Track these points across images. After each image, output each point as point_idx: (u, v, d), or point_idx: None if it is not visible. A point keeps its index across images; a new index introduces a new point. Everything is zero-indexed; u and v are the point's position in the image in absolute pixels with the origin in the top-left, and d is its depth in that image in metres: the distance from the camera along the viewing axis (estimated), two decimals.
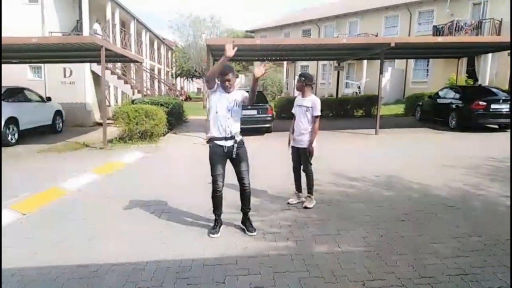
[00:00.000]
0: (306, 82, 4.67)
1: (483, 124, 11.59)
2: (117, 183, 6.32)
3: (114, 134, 10.69)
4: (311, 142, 4.64)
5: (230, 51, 3.52)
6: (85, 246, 3.75)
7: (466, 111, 11.53)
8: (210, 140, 3.88)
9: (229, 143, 3.82)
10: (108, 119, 12.06)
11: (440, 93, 13.52)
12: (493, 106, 11.16)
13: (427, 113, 14.16)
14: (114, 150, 9.23)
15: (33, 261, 3.43)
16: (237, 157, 3.85)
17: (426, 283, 2.93)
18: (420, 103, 14.87)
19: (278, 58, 19.04)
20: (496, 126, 11.90)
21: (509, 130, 11.44)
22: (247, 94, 3.86)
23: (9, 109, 10.12)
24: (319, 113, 4.66)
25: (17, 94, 11.08)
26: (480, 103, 11.17)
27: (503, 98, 11.40)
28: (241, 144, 3.90)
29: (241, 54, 14.82)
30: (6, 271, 3.24)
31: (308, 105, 4.66)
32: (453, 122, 12.00)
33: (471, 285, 2.90)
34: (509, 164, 6.90)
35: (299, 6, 69.21)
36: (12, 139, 10.10)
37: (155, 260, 3.40)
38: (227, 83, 3.76)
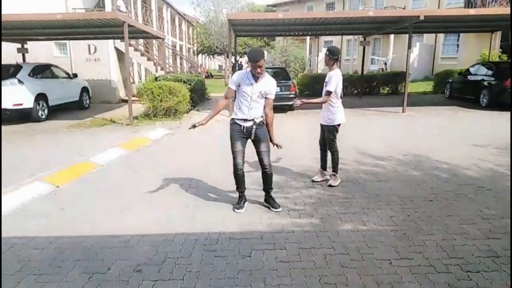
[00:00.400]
0: (330, 56, 4.54)
1: None
2: (144, 158, 6.46)
3: (139, 110, 10.85)
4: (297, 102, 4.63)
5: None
6: (116, 218, 3.89)
7: (499, 88, 11.02)
8: (231, 119, 3.91)
9: (248, 124, 3.82)
10: (132, 96, 12.22)
11: (471, 70, 12.94)
12: None
13: (457, 90, 13.63)
14: (140, 126, 9.39)
15: (67, 231, 3.59)
16: (256, 138, 3.85)
17: (455, 264, 2.89)
18: (450, 80, 14.31)
19: (301, 33, 18.57)
20: None
21: None
22: (274, 90, 3.84)
23: (39, 85, 10.40)
24: (330, 88, 4.51)
25: (44, 70, 11.33)
26: None
27: None
28: (260, 125, 3.87)
29: (263, 29, 14.56)
30: (44, 239, 3.41)
31: (326, 79, 4.58)
32: (485, 100, 11.51)
33: (503, 268, 2.83)
34: None
35: None
36: (42, 115, 10.42)
37: (184, 232, 3.50)
38: (258, 69, 3.63)
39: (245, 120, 3.80)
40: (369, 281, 2.69)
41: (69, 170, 5.48)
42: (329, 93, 4.54)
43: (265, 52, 33.51)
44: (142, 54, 17.46)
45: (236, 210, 3.98)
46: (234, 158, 3.91)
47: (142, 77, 20.99)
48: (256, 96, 3.74)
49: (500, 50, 18.62)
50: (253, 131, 3.80)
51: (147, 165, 5.93)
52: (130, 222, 3.77)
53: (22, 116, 10.05)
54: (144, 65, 18.59)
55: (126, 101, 11.42)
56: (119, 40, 15.01)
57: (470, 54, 19.47)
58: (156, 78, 12.68)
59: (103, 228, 3.63)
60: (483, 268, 2.83)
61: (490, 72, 11.83)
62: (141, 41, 18.46)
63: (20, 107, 9.77)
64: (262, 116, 3.87)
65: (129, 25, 9.80)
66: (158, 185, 4.86)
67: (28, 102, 9.89)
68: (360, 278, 2.73)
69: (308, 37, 29.55)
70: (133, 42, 16.49)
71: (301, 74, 25.28)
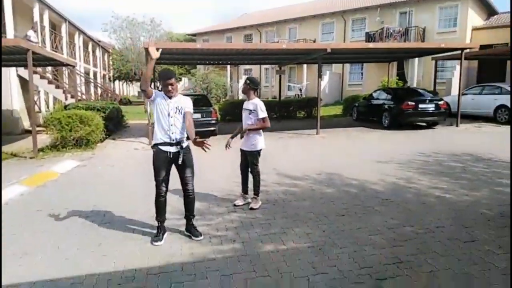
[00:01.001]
0: (250, 85, 4.71)
1: (413, 122, 12.61)
2: (50, 195, 5.85)
3: (46, 142, 9.93)
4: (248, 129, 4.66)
5: (155, 53, 3.62)
6: (17, 264, 3.43)
7: (397, 110, 12.43)
8: (154, 146, 3.79)
9: (174, 149, 3.75)
10: (38, 126, 11.19)
11: (374, 95, 14.43)
12: (420, 105, 12.17)
13: (362, 113, 15.01)
14: (46, 159, 8.57)
15: None
16: (183, 163, 3.78)
17: (365, 274, 3.09)
18: (356, 104, 15.73)
19: (220, 62, 19.03)
20: (424, 124, 13.00)
21: (435, 127, 12.55)
22: (190, 105, 3.81)
23: None
24: (264, 115, 4.69)
25: None
26: (409, 103, 12.14)
27: (429, 98, 12.49)
28: (187, 150, 3.83)
29: (183, 57, 14.61)
30: None
31: (251, 108, 4.72)
32: (386, 121, 12.86)
33: (406, 272, 3.10)
34: (430, 158, 7.56)
35: (238, 10, 69.95)
36: None
37: (95, 272, 3.21)
38: (169, 87, 3.66)
39: (170, 144, 3.71)
40: None
41: None
42: (264, 119, 4.67)
43: (186, 80, 33.49)
44: (50, 82, 16.24)
45: (155, 243, 3.78)
46: (158, 187, 3.78)
47: (50, 105, 19.40)
48: (173, 112, 3.71)
49: (397, 77, 21.15)
50: (180, 157, 3.72)
51: (54, 201, 5.38)
52: (33, 267, 3.35)
53: None
54: (52, 93, 17.24)
55: (30, 132, 10.39)
56: (22, 68, 13.79)
57: (373, 81, 21.79)
58: (65, 107, 11.82)
59: (2, 277, 3.16)
60: (390, 274, 3.07)
61: (389, 97, 13.30)
62: (49, 68, 17.18)
63: None
64: (187, 139, 3.80)
65: (34, 53, 9.09)
66: (66, 223, 4.43)
67: None
68: None
69: (228, 65, 30.31)
70: (39, 69, 15.28)
71: (223, 100, 25.69)
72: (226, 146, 4.80)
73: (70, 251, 3.66)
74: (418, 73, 20.96)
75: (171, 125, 3.72)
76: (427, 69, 19.97)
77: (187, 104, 3.80)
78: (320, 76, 12.20)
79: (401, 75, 21.61)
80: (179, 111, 3.75)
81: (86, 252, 3.64)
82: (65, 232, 4.16)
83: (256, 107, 4.68)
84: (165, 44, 14.24)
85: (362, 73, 24.85)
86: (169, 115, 3.70)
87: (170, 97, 3.73)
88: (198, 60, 16.99)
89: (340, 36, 25.30)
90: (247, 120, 4.75)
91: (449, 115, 13.17)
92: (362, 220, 4.31)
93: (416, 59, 19.92)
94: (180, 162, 3.74)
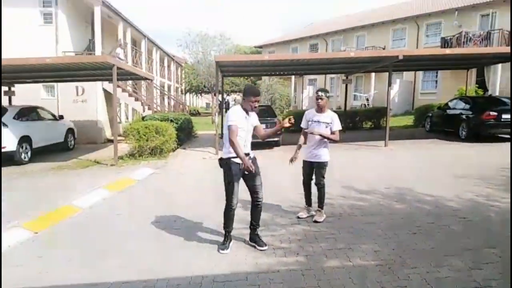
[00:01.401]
0: (328, 97, 4.71)
1: (494, 134, 11.45)
2: (127, 200, 6.37)
3: (125, 150, 10.82)
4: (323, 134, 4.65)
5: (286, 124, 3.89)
6: (97, 264, 3.78)
7: (477, 121, 11.42)
8: (227, 159, 3.86)
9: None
10: (119, 135, 12.24)
11: (450, 104, 13.44)
12: (504, 116, 11.03)
13: (437, 124, 14.05)
14: (125, 167, 9.33)
15: (45, 281, 3.46)
16: (252, 173, 3.87)
17: None
18: (430, 114, 14.78)
19: (286, 73, 19.18)
20: (508, 136, 11.72)
21: None
22: (258, 123, 4.04)
23: (23, 128, 10.36)
24: (340, 128, 4.70)
25: (30, 113, 11.34)
26: (491, 113, 11.07)
27: None
28: (254, 159, 3.97)
29: (250, 69, 15.02)
30: None
31: (328, 121, 4.65)
32: (464, 133, 11.87)
33: None
34: None
35: (305, 22, 70.06)
36: (25, 158, 10.29)
37: (166, 277, 3.41)
38: (256, 103, 3.88)
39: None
40: None
41: (50, 215, 5.36)
42: (339, 132, 4.69)
43: None
44: (130, 95, 17.68)
45: (221, 251, 3.92)
46: (231, 199, 3.89)
47: (129, 116, 21.11)
48: (251, 128, 3.95)
49: (476, 85, 19.48)
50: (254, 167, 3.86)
51: (131, 206, 5.85)
52: (110, 268, 3.66)
53: (5, 158, 9.91)
54: (131, 105, 18.77)
55: (112, 141, 11.41)
56: (107, 82, 15.23)
57: (448, 89, 20.31)
58: (143, 118, 12.78)
59: (82, 276, 3.51)
60: None
61: (467, 106, 12.28)
62: (129, 81, 18.76)
63: (3, 150, 9.66)
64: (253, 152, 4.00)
65: (118, 68, 10.01)
66: (141, 227, 4.79)
67: (11, 144, 9.80)
68: None
69: (293, 76, 30.46)
70: (121, 83, 16.75)
71: (287, 110, 25.81)
72: (292, 160, 4.77)
73: (144, 255, 3.94)
74: (501, 80, 19.09)
75: (247, 139, 3.91)
76: None
77: (256, 118, 4.05)
78: (390, 84, 11.71)
79: (481, 83, 19.86)
80: (252, 126, 3.97)
81: (159, 256, 3.89)
82: (140, 236, 4.49)
83: (333, 120, 4.64)
84: (234, 57, 14.78)
85: (436, 81, 23.34)
86: (247, 129, 3.91)
87: (247, 113, 3.90)
88: (264, 72, 17.32)
89: (413, 42, 24.10)
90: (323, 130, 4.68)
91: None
92: (436, 240, 4.03)
93: (499, 65, 18.18)
94: (257, 171, 3.88)
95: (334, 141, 4.73)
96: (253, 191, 3.98)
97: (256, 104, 3.87)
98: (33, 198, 6.57)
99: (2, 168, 9.63)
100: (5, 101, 12.80)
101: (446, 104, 13.74)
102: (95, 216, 5.43)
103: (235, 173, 3.84)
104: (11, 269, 3.69)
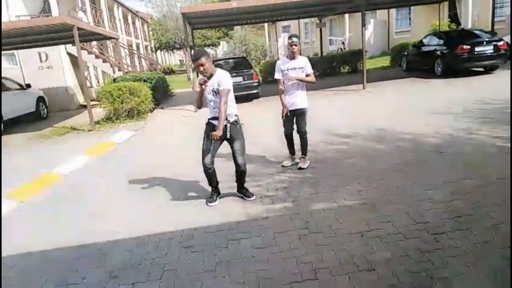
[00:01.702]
0: (299, 43, 4.61)
1: (469, 67, 11.59)
2: (111, 163, 6.29)
3: (101, 115, 10.50)
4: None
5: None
6: (87, 226, 3.79)
7: (451, 56, 11.46)
8: (207, 120, 3.90)
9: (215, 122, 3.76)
10: (92, 100, 11.80)
11: (424, 41, 13.39)
12: (477, 48, 11.09)
13: (413, 62, 14.07)
14: (103, 131, 9.11)
15: (37, 246, 3.47)
16: (231, 137, 3.83)
17: (422, 229, 3.03)
18: (405, 53, 14.73)
19: (257, 21, 18.51)
20: (482, 69, 11.92)
21: (494, 72, 11.51)
22: (225, 82, 3.67)
23: None
24: (312, 70, 4.68)
25: None
26: (464, 47, 11.09)
27: (486, 39, 11.34)
28: (234, 124, 3.84)
29: (220, 20, 14.39)
30: (11, 258, 3.27)
31: (302, 65, 4.61)
32: (439, 69, 11.96)
33: (466, 226, 3.00)
34: (498, 105, 7.01)
35: None
36: None
37: (157, 232, 3.46)
38: (201, 68, 3.58)
39: (216, 118, 3.74)
40: (343, 255, 2.78)
41: (33, 183, 5.27)
42: (313, 74, 4.66)
43: (225, 43, 33.17)
44: (97, 57, 16.84)
45: (209, 204, 3.98)
46: (202, 158, 3.85)
47: (100, 80, 20.29)
48: (211, 95, 3.74)
49: (449, 19, 19.37)
50: (227, 131, 3.77)
51: (114, 169, 5.78)
52: (101, 229, 3.67)
53: None
54: (100, 68, 17.94)
55: (85, 106, 11.02)
56: (70, 45, 14.38)
57: (422, 26, 20.14)
58: (114, 80, 12.29)
59: (74, 239, 3.52)
60: (448, 229, 2.99)
61: (441, 42, 12.26)
62: (94, 43, 17.77)
63: None
64: (236, 115, 3.85)
65: (79, 28, 9.40)
66: (127, 188, 4.77)
67: None
68: (335, 253, 2.81)
69: (266, 24, 29.50)
70: (85, 45, 15.85)
71: (263, 61, 25.29)
72: (286, 114, 4.69)
73: (133, 214, 3.96)
74: (473, 12, 19.01)
75: (214, 107, 3.77)
76: (484, 6, 18.03)
77: (221, 81, 3.67)
78: (364, 25, 11.48)
79: (454, 17, 19.73)
80: (214, 93, 3.72)
81: (148, 214, 3.92)
82: (127, 197, 4.49)
83: (306, 63, 4.61)
84: (200, 7, 14.04)
85: (410, 18, 23.06)
86: (208, 98, 3.78)
87: (208, 78, 3.66)
88: (235, 21, 16.62)
89: None
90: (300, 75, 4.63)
91: (510, 57, 11.95)
92: (417, 175, 4.18)
93: None
94: (228, 136, 3.81)
95: (311, 83, 4.69)
96: (233, 155, 3.92)
97: (201, 69, 3.57)
98: (14, 169, 6.38)
99: None
100: None
101: (421, 41, 13.69)
102: (79, 182, 5.35)
103: (207, 133, 3.82)
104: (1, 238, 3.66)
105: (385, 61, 18.29)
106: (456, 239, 2.83)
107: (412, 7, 21.84)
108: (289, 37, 4.62)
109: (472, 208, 3.28)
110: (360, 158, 5.00)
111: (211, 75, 3.67)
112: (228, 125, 3.77)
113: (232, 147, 3.91)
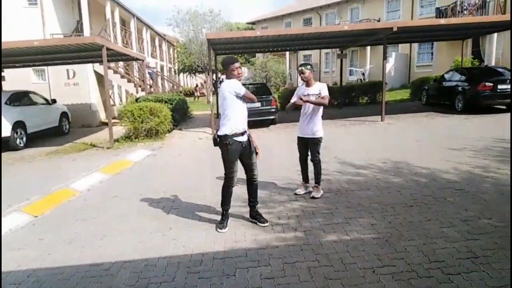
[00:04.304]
0: (313, 69, 4.69)
1: (490, 105, 11.45)
2: (125, 182, 6.37)
3: (120, 133, 10.75)
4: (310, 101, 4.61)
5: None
6: (97, 245, 3.80)
7: (473, 93, 11.37)
8: (227, 137, 3.78)
9: (245, 137, 3.87)
10: (113, 118, 12.13)
11: (446, 76, 13.35)
12: (499, 86, 11.00)
13: (433, 97, 14.00)
14: (121, 149, 9.29)
15: (47, 262, 3.49)
16: (249, 150, 3.89)
17: (436, 268, 2.93)
18: (426, 87, 14.70)
19: (280, 49, 18.87)
20: (504, 107, 11.73)
21: None
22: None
23: (16, 113, 10.22)
24: (327, 94, 4.65)
25: (22, 98, 11.16)
26: (487, 84, 11.02)
27: (509, 77, 11.22)
28: (249, 137, 3.96)
29: (243, 47, 14.76)
30: (21, 272, 3.31)
31: (316, 92, 4.64)
32: (460, 105, 11.86)
33: (482, 268, 2.88)
34: None
35: None
36: (20, 143, 10.21)
37: (166, 255, 3.44)
38: (240, 69, 3.77)
39: (243, 134, 3.82)
40: None
41: (48, 198, 5.36)
42: (328, 98, 4.64)
43: (245, 69, 33.82)
44: (122, 76, 17.44)
45: (219, 230, 3.94)
46: (231, 178, 3.89)
47: (123, 98, 20.88)
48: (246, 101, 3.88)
49: (472, 56, 19.30)
50: (251, 144, 3.87)
51: (128, 188, 5.85)
52: (111, 248, 3.69)
53: None
54: (124, 87, 18.55)
55: (107, 124, 11.33)
56: (98, 64, 14.98)
57: (444, 61, 20.14)
58: (137, 100, 12.64)
59: (83, 257, 3.54)
60: (463, 270, 2.87)
61: (463, 78, 12.21)
62: (121, 63, 18.45)
63: None
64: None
65: (108, 49, 9.81)
66: (139, 208, 4.80)
67: (5, 130, 9.70)
68: None
69: (287, 52, 30.04)
70: (112, 64, 16.47)
71: (283, 88, 25.58)
72: (287, 110, 4.84)
73: (144, 235, 3.97)
74: (497, 50, 18.90)
75: (244, 115, 3.87)
76: (508, 45, 17.90)
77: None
78: (385, 58, 11.58)
79: (477, 53, 19.67)
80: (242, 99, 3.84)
81: (158, 236, 3.92)
82: (139, 217, 4.51)
83: (321, 89, 4.63)
84: (225, 34, 14.47)
85: (432, 53, 23.09)
86: (244, 104, 3.85)
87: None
88: (257, 48, 17.02)
89: (407, 13, 23.68)
90: (311, 106, 4.67)
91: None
92: (433, 212, 4.07)
93: (495, 34, 17.94)
94: (252, 149, 3.89)
95: (322, 104, 4.64)
96: (248, 169, 3.98)
97: (240, 71, 3.76)
98: (31, 182, 6.56)
99: None
100: None
101: (442, 76, 13.65)
102: (93, 199, 5.43)
103: (235, 151, 3.82)
104: (13, 252, 3.72)
105: (405, 94, 18.24)
106: (472, 281, 2.72)
107: (434, 43, 21.92)
108: (298, 67, 4.75)
109: (489, 249, 3.16)
110: (374, 190, 4.92)
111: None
112: (248, 138, 3.87)
113: (249, 160, 3.95)
